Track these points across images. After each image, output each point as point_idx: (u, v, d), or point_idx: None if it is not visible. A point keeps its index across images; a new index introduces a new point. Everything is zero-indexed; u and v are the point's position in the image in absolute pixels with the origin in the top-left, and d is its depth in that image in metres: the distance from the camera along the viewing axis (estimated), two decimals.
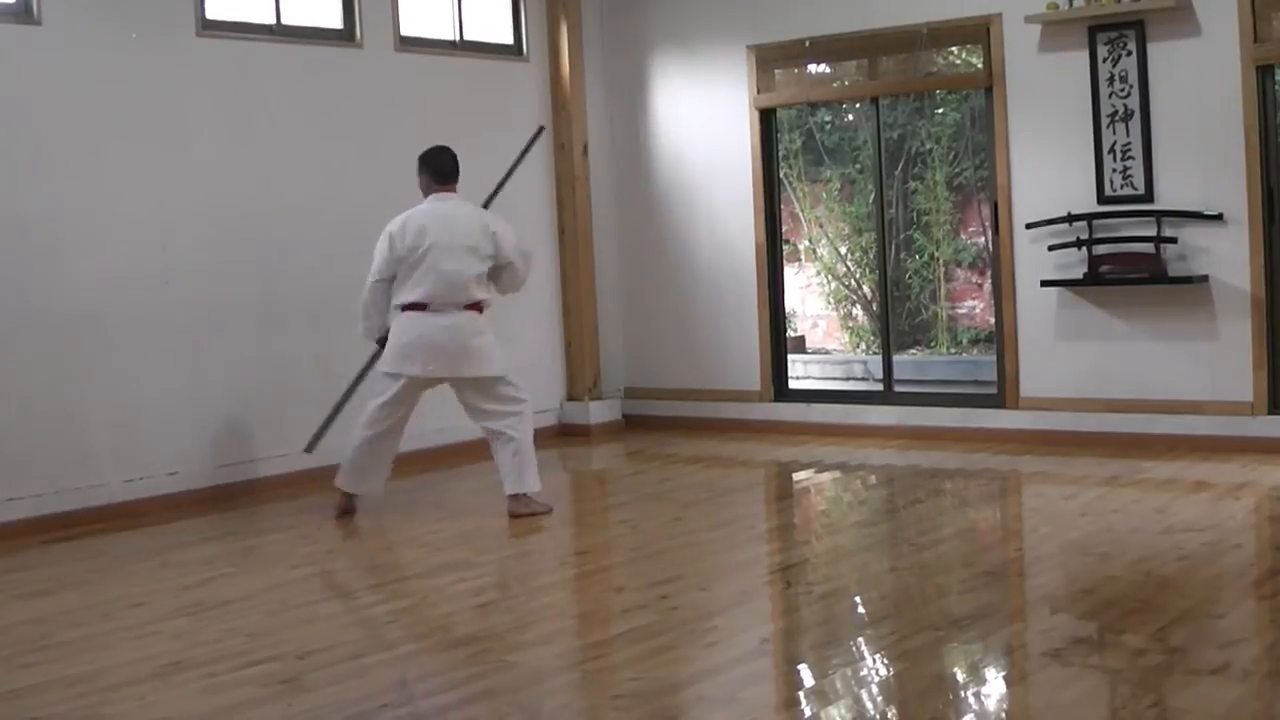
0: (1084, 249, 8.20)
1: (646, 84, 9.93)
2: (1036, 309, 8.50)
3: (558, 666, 4.73)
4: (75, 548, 6.80)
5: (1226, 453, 7.74)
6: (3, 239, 7.05)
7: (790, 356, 10.12)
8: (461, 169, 9.53)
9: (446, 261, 6.91)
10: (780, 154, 9.91)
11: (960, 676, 4.48)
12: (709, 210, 9.71)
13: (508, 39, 9.61)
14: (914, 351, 12.34)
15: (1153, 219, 8.00)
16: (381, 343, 7.11)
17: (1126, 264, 8.12)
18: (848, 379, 11.95)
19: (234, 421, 7.83)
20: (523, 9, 9.61)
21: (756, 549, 6.44)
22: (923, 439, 8.81)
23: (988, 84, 8.60)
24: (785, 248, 10.08)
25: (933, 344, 12.50)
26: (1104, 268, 8.18)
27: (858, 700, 4.25)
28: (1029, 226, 8.42)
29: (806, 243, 13.00)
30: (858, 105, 11.28)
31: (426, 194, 7.13)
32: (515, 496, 7.06)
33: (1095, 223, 8.17)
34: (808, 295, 13.10)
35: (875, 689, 4.36)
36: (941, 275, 12.48)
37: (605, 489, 8.56)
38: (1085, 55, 8.16)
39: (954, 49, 9.17)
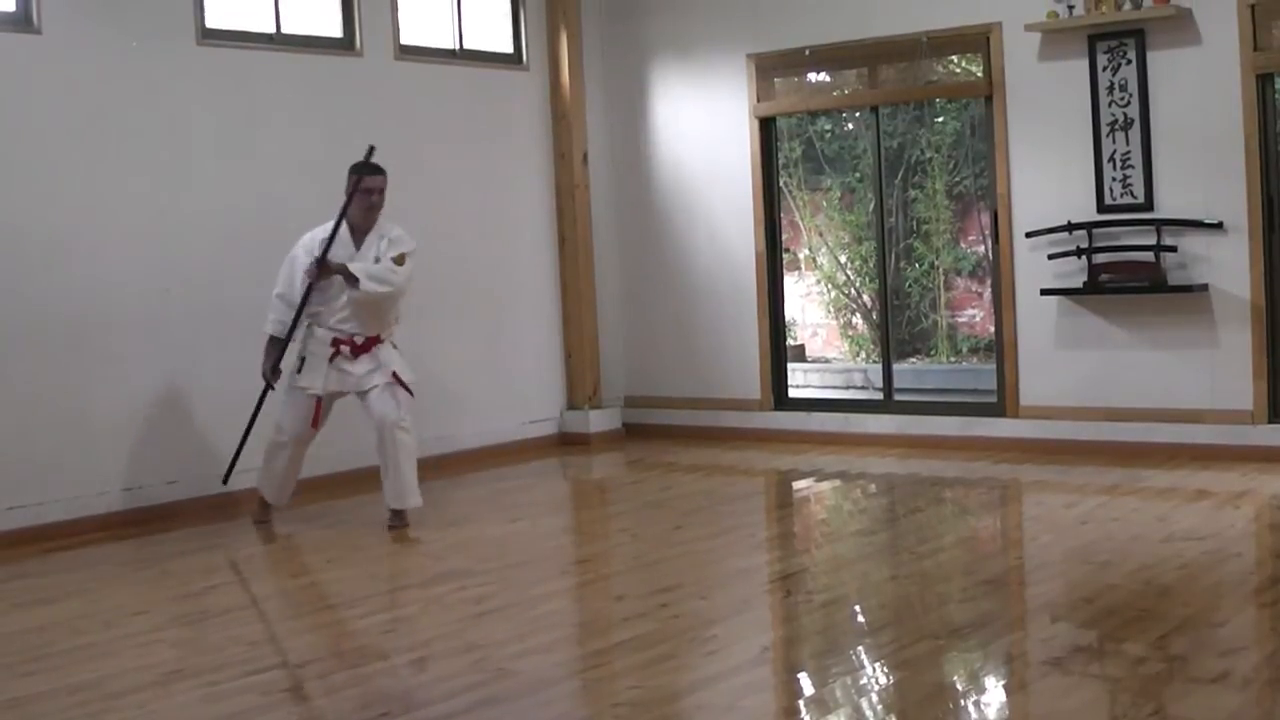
0: (1084, 257, 8.21)
1: (646, 92, 9.94)
2: (1036, 317, 8.50)
3: (558, 675, 4.73)
4: (76, 556, 6.80)
5: (1227, 461, 7.74)
6: (3, 246, 7.06)
7: (790, 365, 10.13)
8: (462, 178, 9.53)
9: None
10: (780, 162, 9.91)
11: (960, 685, 4.48)
12: (709, 219, 9.72)
13: (507, 48, 9.62)
14: (914, 360, 12.34)
15: (1152, 227, 8.01)
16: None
17: (1126, 272, 8.12)
18: (848, 387, 11.96)
19: (234, 429, 7.81)
20: (522, 18, 9.62)
21: (757, 557, 6.44)
22: (923, 447, 8.81)
23: (987, 92, 8.61)
24: (785, 256, 10.08)
25: (933, 352, 12.50)
26: (1104, 276, 8.18)
27: (858, 709, 4.25)
28: (1029, 235, 8.43)
29: (806, 251, 13.01)
30: (858, 114, 11.29)
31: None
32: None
33: (1095, 231, 8.18)
34: (807, 304, 13.10)
35: (875, 697, 4.36)
36: (941, 284, 12.48)
37: (605, 497, 8.56)
38: (1085, 64, 8.17)
39: (954, 57, 9.18)
